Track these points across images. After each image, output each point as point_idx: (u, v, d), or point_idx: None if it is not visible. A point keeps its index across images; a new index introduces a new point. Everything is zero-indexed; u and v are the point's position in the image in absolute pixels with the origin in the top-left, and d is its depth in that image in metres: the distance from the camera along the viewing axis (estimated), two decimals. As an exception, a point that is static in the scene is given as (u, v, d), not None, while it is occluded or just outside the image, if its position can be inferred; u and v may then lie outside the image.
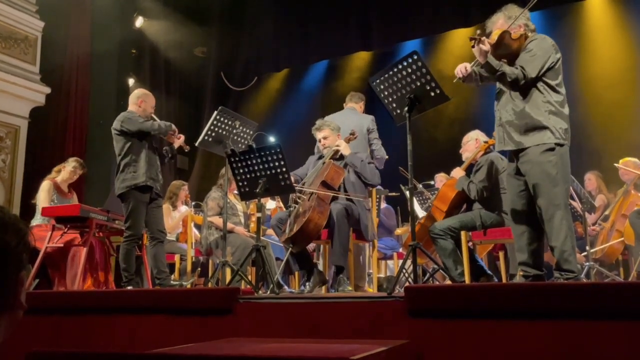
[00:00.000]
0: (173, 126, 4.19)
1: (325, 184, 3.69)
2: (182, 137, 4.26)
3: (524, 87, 2.85)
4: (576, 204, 4.73)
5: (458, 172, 4.00)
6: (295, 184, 3.82)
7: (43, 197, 4.62)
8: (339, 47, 8.15)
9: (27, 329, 2.82)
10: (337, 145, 3.96)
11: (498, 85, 3.04)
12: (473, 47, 2.77)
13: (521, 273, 2.96)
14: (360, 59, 8.59)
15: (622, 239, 4.73)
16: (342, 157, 3.99)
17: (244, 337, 2.40)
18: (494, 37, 2.87)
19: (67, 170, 4.81)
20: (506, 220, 3.76)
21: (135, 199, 3.97)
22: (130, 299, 2.88)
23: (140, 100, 4.21)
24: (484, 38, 2.78)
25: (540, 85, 2.83)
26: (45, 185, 4.69)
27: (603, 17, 6.83)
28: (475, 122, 5.87)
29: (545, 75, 2.83)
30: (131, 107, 4.22)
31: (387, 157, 4.62)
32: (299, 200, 3.75)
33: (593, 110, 6.21)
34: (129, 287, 3.92)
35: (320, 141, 4.10)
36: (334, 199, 3.76)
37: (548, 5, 6.14)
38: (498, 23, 3.00)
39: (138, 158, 4.00)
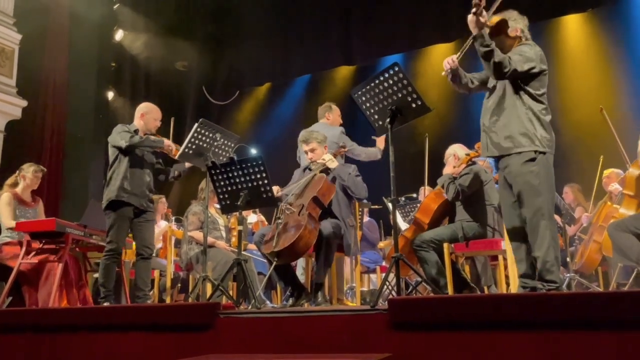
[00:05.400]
0: (166, 141, 4.02)
1: (316, 200, 3.59)
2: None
3: (512, 85, 2.85)
4: (556, 217, 4.79)
5: (446, 171, 3.98)
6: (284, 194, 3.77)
7: (5, 211, 4.37)
8: (320, 62, 8.22)
9: (0, 348, 2.72)
10: (324, 159, 3.85)
11: (485, 98, 3.05)
12: (474, 12, 2.69)
13: (521, 284, 2.93)
14: (342, 73, 8.66)
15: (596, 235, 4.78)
16: (328, 169, 3.87)
17: (225, 352, 2.34)
18: (494, 20, 2.85)
19: (29, 178, 4.56)
20: (495, 233, 3.79)
21: (116, 214, 3.93)
22: (108, 316, 2.80)
23: (141, 114, 4.18)
24: (483, 10, 2.72)
25: (523, 93, 2.85)
26: (5, 198, 4.42)
27: (579, 34, 7.04)
28: (459, 134, 5.92)
29: (530, 84, 2.84)
30: (134, 121, 4.19)
31: (378, 155, 4.65)
32: (287, 212, 3.63)
33: (568, 123, 6.34)
34: (106, 303, 3.83)
35: (307, 153, 3.98)
36: (323, 215, 3.67)
37: (531, 21, 6.26)
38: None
39: (119, 172, 3.97)
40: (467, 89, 3.12)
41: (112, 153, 4.07)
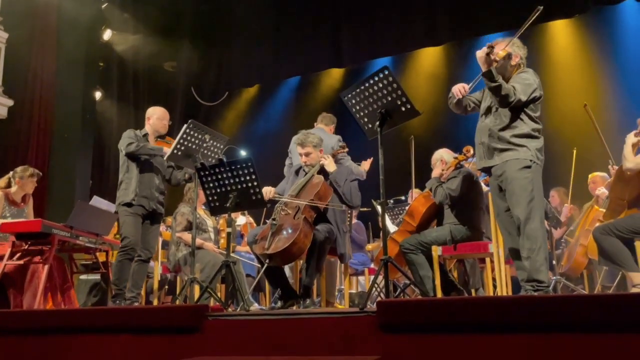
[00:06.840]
0: (165, 149, 3.97)
1: (312, 203, 3.55)
2: None
3: (511, 107, 2.98)
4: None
5: (434, 174, 4.01)
6: (278, 195, 3.74)
7: None
8: (310, 64, 8.20)
9: (-19, 351, 2.68)
10: (324, 158, 3.80)
11: (481, 118, 3.17)
12: (487, 54, 2.86)
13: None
14: (332, 75, 8.67)
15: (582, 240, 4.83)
16: (325, 172, 3.81)
17: (213, 355, 2.33)
18: (501, 55, 3.00)
19: (24, 182, 4.46)
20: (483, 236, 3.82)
21: (126, 212, 4.01)
22: (94, 318, 2.76)
23: (147, 118, 4.27)
24: (493, 50, 2.91)
25: (522, 114, 3.00)
26: None
27: (565, 38, 7.13)
28: (448, 137, 5.96)
29: (528, 106, 3.00)
30: (145, 125, 4.26)
31: (364, 176, 4.62)
32: (282, 213, 3.56)
33: (556, 127, 6.40)
34: (116, 302, 3.87)
35: (302, 156, 3.90)
36: (317, 220, 3.63)
37: (514, 27, 6.32)
38: (501, 43, 3.10)
39: (131, 176, 4.05)
40: (464, 111, 3.28)
41: (121, 155, 4.14)
